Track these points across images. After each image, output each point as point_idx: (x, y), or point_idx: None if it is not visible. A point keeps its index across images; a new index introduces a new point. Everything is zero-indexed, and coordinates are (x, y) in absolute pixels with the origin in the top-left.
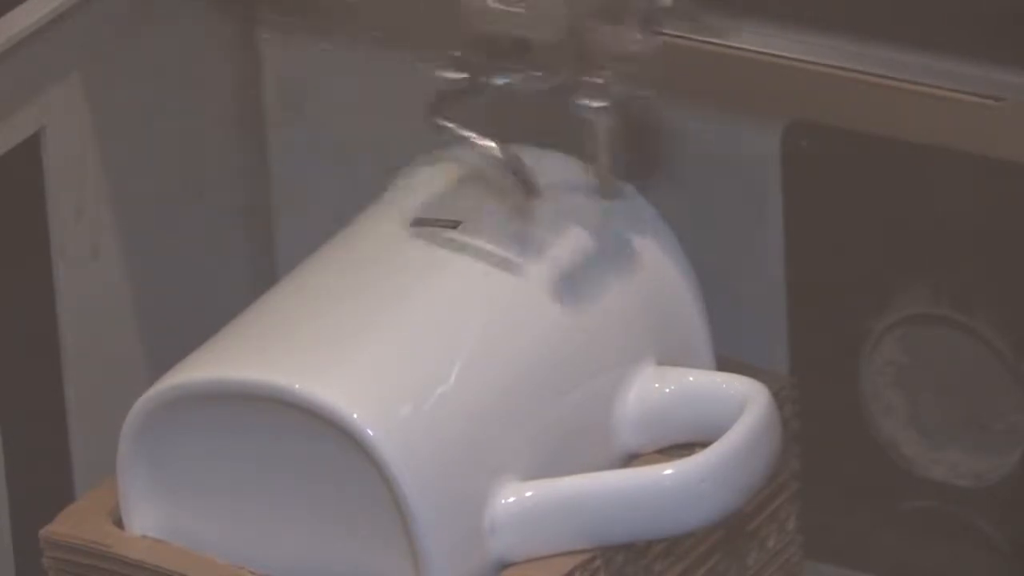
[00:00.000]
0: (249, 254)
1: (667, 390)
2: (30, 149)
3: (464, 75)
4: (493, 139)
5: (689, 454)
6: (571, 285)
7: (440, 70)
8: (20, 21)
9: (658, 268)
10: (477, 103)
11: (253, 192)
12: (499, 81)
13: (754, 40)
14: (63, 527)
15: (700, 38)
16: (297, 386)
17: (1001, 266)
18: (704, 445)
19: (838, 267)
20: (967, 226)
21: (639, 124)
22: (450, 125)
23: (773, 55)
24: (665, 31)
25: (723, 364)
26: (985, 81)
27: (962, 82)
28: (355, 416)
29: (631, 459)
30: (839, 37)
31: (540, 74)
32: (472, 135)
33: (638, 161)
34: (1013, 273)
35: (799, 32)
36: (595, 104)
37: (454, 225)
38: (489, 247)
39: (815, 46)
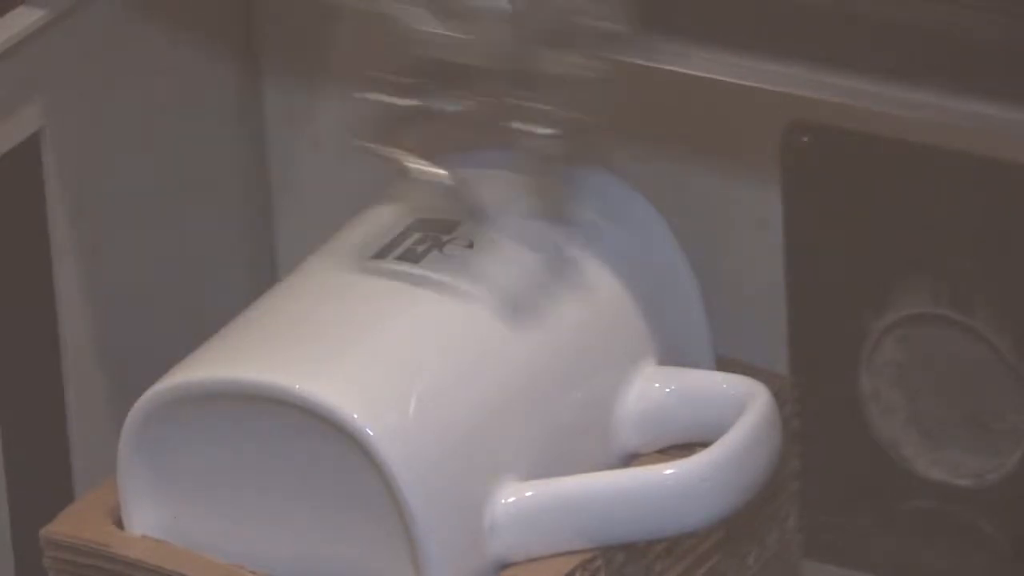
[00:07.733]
0: (249, 254)
1: (667, 390)
2: (30, 149)
3: (412, 102)
4: (441, 166)
5: (689, 454)
6: (571, 285)
7: (382, 96)
8: (20, 21)
9: (658, 268)
10: (422, 130)
11: (253, 192)
12: (443, 107)
13: (725, 69)
14: (63, 527)
15: (648, 63)
16: (297, 386)
17: (1001, 266)
18: (704, 445)
19: (838, 267)
20: (967, 226)
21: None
22: (392, 153)
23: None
24: (613, 56)
25: (723, 364)
26: (980, 116)
27: (959, 117)
28: (355, 416)
29: (631, 459)
30: (796, 65)
31: (482, 100)
32: (420, 163)
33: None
34: (1013, 273)
35: (760, 59)
36: (538, 131)
37: (454, 225)
38: (489, 247)
39: (785, 76)
